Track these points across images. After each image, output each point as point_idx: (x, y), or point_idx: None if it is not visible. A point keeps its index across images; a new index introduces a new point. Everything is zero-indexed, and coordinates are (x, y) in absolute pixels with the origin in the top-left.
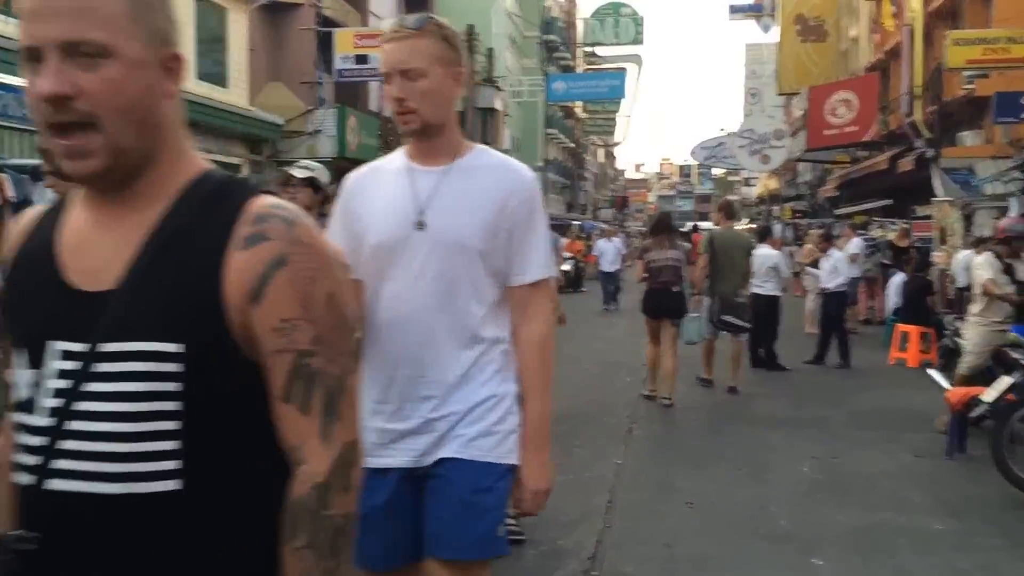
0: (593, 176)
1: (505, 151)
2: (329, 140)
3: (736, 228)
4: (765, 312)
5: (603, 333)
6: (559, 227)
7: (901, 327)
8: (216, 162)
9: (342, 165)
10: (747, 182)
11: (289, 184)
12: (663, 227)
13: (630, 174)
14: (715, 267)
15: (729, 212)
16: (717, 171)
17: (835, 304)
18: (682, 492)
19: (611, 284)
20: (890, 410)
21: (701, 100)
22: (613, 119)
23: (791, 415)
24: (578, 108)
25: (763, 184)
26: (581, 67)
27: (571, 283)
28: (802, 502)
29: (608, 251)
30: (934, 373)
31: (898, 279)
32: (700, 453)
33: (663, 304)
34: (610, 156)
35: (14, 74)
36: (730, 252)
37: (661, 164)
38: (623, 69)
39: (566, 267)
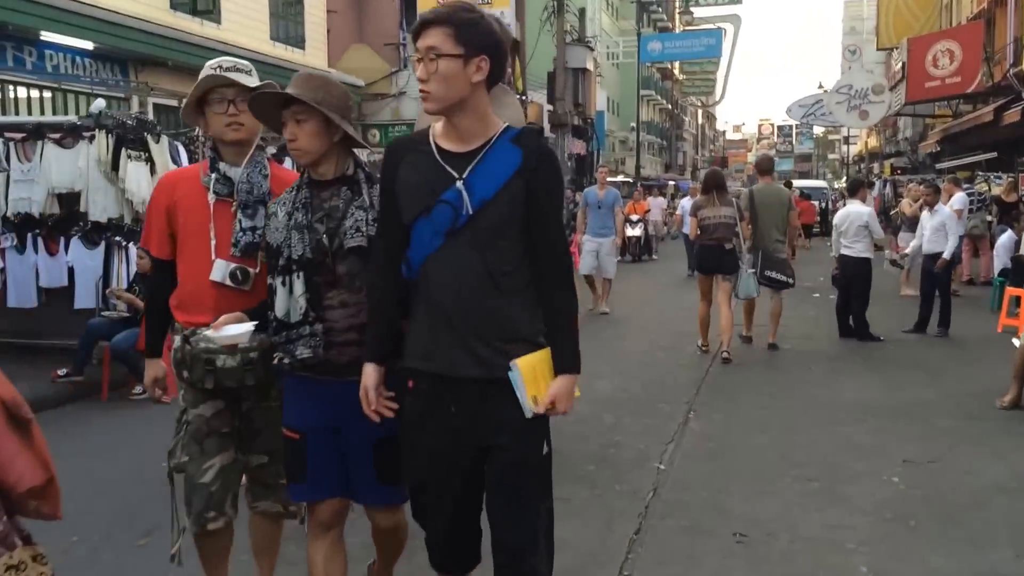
0: (692, 137)
1: (599, 113)
2: (413, 102)
3: (774, 184)
4: (854, 275)
5: (676, 301)
6: (652, 187)
7: (1011, 290)
8: None
9: None
10: (847, 140)
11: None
12: (714, 184)
13: (730, 135)
14: (755, 224)
15: (763, 167)
16: (818, 129)
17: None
18: (733, 518)
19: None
20: (1002, 392)
21: (799, 59)
22: (711, 79)
23: (881, 401)
24: (676, 69)
25: (863, 142)
26: (679, 28)
27: (637, 250)
28: (889, 537)
29: None
30: None
31: (1006, 237)
32: (763, 459)
33: (716, 261)
34: (709, 117)
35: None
36: (769, 208)
37: (760, 124)
38: (720, 28)
39: (633, 231)
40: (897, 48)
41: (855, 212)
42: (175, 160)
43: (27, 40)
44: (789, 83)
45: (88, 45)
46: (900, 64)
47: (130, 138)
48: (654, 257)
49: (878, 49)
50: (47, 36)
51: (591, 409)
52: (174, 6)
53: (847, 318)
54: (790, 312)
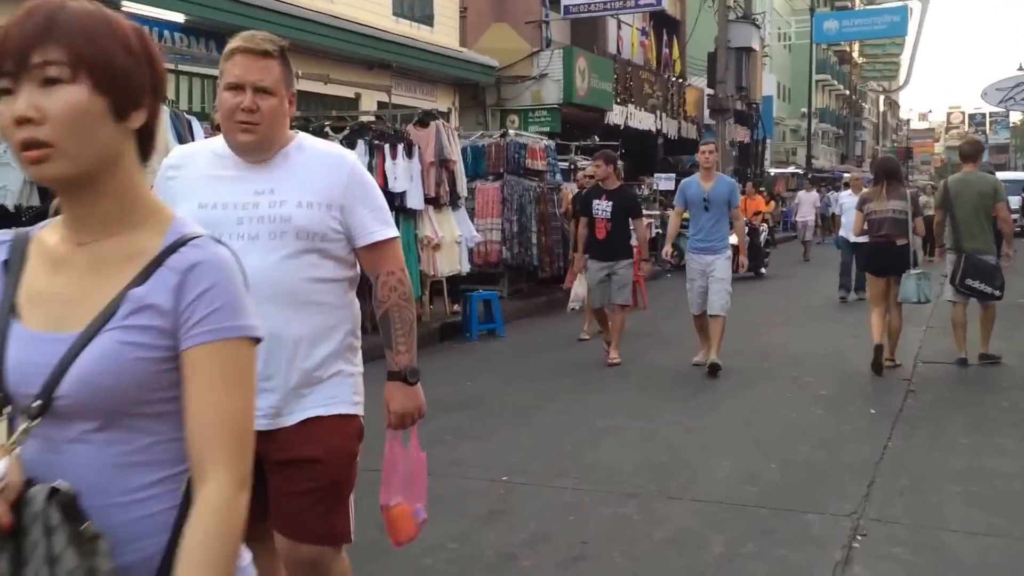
0: (872, 126)
1: (766, 98)
2: (555, 85)
3: (976, 172)
4: None
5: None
6: (826, 180)
7: None
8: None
9: (569, 112)
10: None
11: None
12: (884, 172)
13: (915, 124)
14: (953, 221)
15: (966, 153)
16: (1015, 117)
17: None
18: None
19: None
20: None
21: (995, 39)
22: (895, 63)
23: None
24: (854, 52)
25: None
26: (858, 5)
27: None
28: None
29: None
30: None
31: None
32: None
33: (886, 260)
34: (892, 104)
35: None
36: (969, 201)
37: (948, 113)
38: (906, 5)
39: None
40: None
41: None
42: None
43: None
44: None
45: (178, 17)
46: None
47: None
48: (762, 271)
49: None
50: (128, 6)
51: (688, 516)
52: None
53: None
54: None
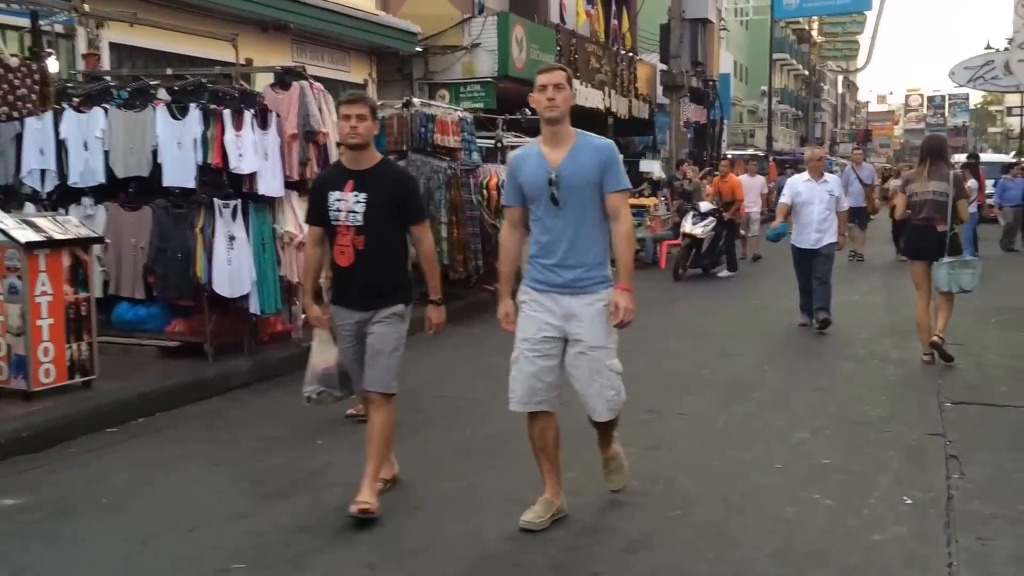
0: (831, 107)
1: (723, 76)
2: (489, 56)
3: None
4: None
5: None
6: (786, 163)
7: None
8: (328, 80)
9: (508, 87)
10: (1011, 111)
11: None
12: (930, 152)
13: (873, 106)
14: None
15: None
16: (975, 100)
17: None
18: None
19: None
20: None
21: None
22: (855, 43)
23: None
24: (814, 31)
25: None
26: None
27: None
28: None
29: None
30: None
31: None
32: None
33: (923, 243)
34: (851, 86)
35: None
36: None
37: (907, 95)
38: None
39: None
40: None
41: None
42: None
43: None
44: (942, 49)
45: None
46: None
47: None
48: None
49: None
50: None
51: None
52: None
53: None
54: None
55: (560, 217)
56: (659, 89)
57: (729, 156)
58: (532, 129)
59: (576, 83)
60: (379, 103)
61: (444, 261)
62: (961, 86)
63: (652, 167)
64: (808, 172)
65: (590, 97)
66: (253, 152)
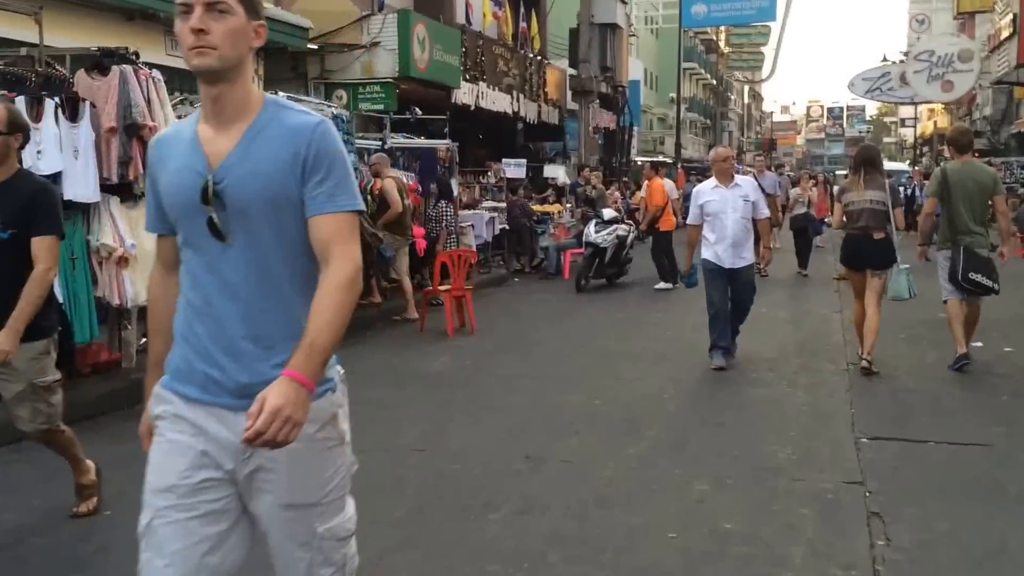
0: (738, 116)
1: (633, 82)
2: (389, 55)
3: (975, 161)
4: None
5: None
6: (693, 170)
7: None
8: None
9: (410, 89)
10: (904, 122)
11: None
12: (863, 161)
13: (777, 116)
14: (951, 212)
15: (962, 144)
16: (871, 111)
17: None
18: None
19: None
20: None
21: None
22: (760, 53)
23: None
24: (721, 42)
25: (927, 123)
26: None
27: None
28: None
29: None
30: None
31: None
32: None
33: (863, 253)
34: (756, 97)
35: None
36: (967, 192)
37: (808, 106)
38: None
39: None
40: (987, 10)
41: None
42: None
43: None
44: (842, 62)
45: None
46: (1009, 18)
47: None
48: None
49: (957, 15)
50: None
51: None
52: None
53: None
54: None
55: (226, 259)
56: (568, 94)
57: (644, 161)
58: (436, 131)
59: (483, 85)
60: None
61: None
62: (860, 97)
63: (557, 172)
64: (715, 176)
65: (498, 100)
66: (56, 149)
